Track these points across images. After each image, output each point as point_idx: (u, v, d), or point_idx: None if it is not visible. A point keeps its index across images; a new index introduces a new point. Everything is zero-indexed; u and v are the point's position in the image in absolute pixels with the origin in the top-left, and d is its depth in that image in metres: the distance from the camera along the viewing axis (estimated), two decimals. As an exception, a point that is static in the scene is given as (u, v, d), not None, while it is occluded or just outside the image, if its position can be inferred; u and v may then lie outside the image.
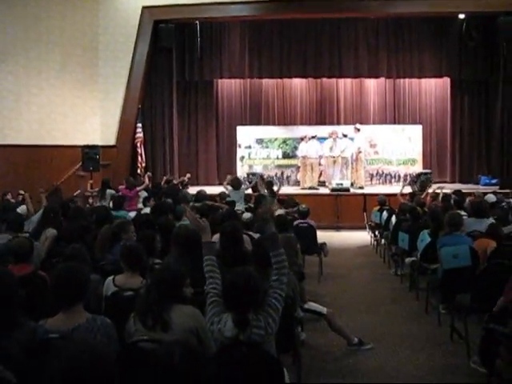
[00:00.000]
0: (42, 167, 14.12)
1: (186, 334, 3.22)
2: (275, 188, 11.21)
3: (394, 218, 9.30)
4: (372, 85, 17.23)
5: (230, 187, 10.90)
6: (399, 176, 15.98)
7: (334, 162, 15.27)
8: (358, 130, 15.34)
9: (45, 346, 3.02)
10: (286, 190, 14.29)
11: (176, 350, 2.08)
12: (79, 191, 12.43)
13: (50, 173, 13.95)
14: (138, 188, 11.36)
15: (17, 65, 14.17)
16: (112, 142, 15.12)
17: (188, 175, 14.64)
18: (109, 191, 11.15)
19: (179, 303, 3.40)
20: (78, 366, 2.04)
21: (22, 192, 11.32)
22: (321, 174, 15.68)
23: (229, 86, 17.65)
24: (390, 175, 16.05)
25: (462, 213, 7.65)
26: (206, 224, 3.88)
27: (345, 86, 17.27)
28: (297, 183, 15.91)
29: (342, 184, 14.35)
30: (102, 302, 4.21)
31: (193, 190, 12.09)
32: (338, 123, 16.93)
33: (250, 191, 11.80)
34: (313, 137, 15.54)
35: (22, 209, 8.60)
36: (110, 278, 4.38)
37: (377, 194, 12.38)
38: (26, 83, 14.27)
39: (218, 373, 2.87)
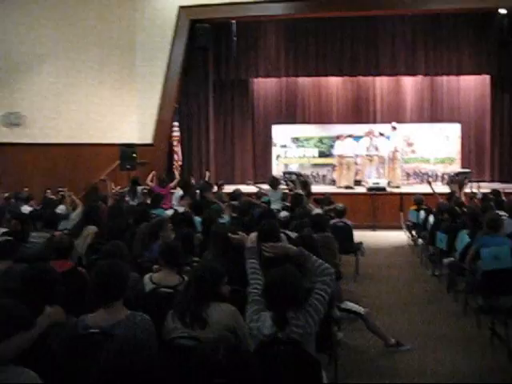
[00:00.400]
0: (81, 165, 14.38)
1: (223, 332, 3.24)
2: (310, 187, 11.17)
3: (431, 218, 9.19)
4: (409, 83, 17.00)
5: (267, 187, 10.87)
6: (437, 175, 15.75)
7: (370, 160, 15.16)
8: (395, 128, 15.18)
9: (86, 340, 3.08)
10: (322, 188, 14.23)
11: (219, 348, 2.10)
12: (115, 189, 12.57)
13: (88, 171, 14.21)
14: (171, 184, 11.46)
15: (57, 65, 14.46)
16: (149, 140, 15.28)
17: (208, 173, 14.18)
18: (139, 188, 11.28)
19: (217, 301, 3.43)
20: (124, 360, 2.09)
21: (61, 189, 11.52)
22: (357, 173, 15.56)
23: (265, 85, 17.65)
24: (428, 174, 15.83)
25: (501, 213, 7.52)
26: (243, 235, 3.98)
27: (381, 84, 17.09)
28: (333, 182, 15.83)
29: (378, 183, 14.21)
30: (141, 299, 4.25)
31: (229, 188, 12.11)
32: (375, 122, 16.78)
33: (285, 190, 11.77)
34: (349, 135, 15.42)
35: (61, 208, 8.76)
36: (148, 275, 4.44)
37: (414, 193, 12.23)
38: (66, 83, 14.54)
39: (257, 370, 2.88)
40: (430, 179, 12.86)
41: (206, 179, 13.02)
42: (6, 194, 11.26)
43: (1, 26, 13.74)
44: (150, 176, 12.09)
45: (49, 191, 12.08)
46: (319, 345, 3.56)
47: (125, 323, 3.16)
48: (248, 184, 11.92)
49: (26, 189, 11.64)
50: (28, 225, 6.68)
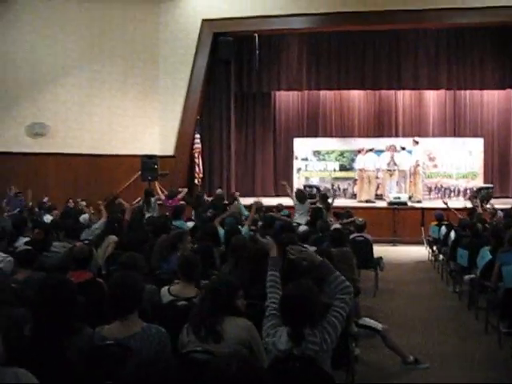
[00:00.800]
0: (103, 176, 14.51)
1: (238, 346, 3.23)
2: (329, 201, 11.11)
3: (452, 234, 9.08)
4: (432, 97, 16.92)
5: (295, 200, 10.82)
6: (459, 190, 15.59)
7: (391, 175, 15.07)
8: (417, 142, 15.08)
9: (102, 352, 3.09)
10: (343, 202, 14.16)
11: (233, 362, 2.08)
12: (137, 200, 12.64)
13: (110, 181, 14.33)
14: (179, 196, 11.45)
15: (81, 77, 14.66)
16: (170, 152, 15.37)
17: (219, 190, 13.79)
18: (153, 199, 11.33)
19: (232, 315, 3.41)
20: (143, 373, 2.10)
21: (79, 201, 11.65)
22: (378, 187, 15.48)
23: (286, 98, 17.69)
24: (450, 189, 15.67)
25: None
26: (271, 241, 3.92)
27: (403, 97, 17.03)
28: (353, 196, 15.75)
29: (399, 197, 14.11)
30: (157, 312, 4.26)
31: (249, 201, 12.09)
32: (397, 136, 16.71)
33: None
34: (370, 149, 15.37)
35: (84, 217, 8.81)
36: (167, 286, 4.44)
37: (435, 209, 12.12)
38: (90, 94, 14.74)
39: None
40: (446, 200, 12.69)
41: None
42: (30, 203, 11.40)
43: (28, 39, 13.98)
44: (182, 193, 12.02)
45: (71, 201, 12.20)
46: (336, 361, 3.53)
47: (140, 335, 3.16)
48: (283, 185, 11.82)
49: (46, 198, 11.74)
50: (50, 234, 6.78)
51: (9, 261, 5.29)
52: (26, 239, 6.68)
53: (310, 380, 2.95)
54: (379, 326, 5.38)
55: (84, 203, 11.19)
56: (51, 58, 14.27)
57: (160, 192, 12.06)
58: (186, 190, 12.05)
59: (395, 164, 15.01)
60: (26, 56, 14.03)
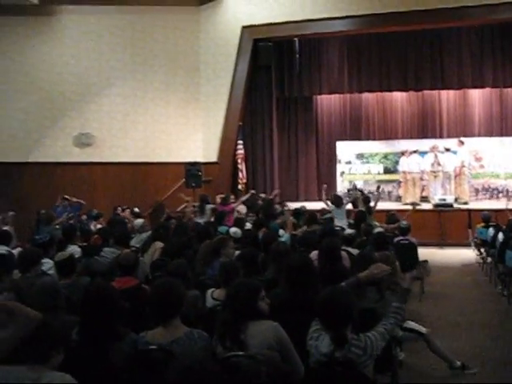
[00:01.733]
0: (148, 183, 14.75)
1: (265, 352, 3.22)
2: (372, 204, 11.02)
3: (501, 235, 8.88)
4: (477, 95, 16.55)
5: (331, 205, 10.79)
6: (507, 190, 15.20)
7: (435, 176, 14.82)
8: (462, 143, 14.80)
9: (145, 356, 3.15)
10: (388, 205, 14.00)
11: (262, 370, 2.10)
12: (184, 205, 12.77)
13: (155, 189, 14.57)
14: (234, 205, 11.50)
15: (125, 87, 14.96)
16: (214, 158, 15.50)
17: (275, 191, 13.98)
18: (208, 206, 11.43)
19: (256, 319, 3.38)
20: (188, 377, 2.14)
21: (120, 209, 11.88)
22: (423, 190, 15.25)
23: (328, 102, 17.63)
24: (497, 189, 15.30)
25: None
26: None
27: (448, 97, 16.73)
28: (398, 199, 15.56)
29: (445, 199, 13.87)
30: (200, 317, 4.31)
31: (293, 206, 12.11)
32: (441, 136, 16.42)
33: (349, 206, 11.65)
34: (414, 151, 15.16)
35: (138, 222, 8.93)
36: (211, 290, 4.51)
37: (483, 210, 11.86)
38: (133, 103, 15.02)
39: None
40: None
41: (271, 196, 13.02)
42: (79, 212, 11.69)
43: (73, 53, 14.37)
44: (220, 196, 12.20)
45: (119, 208, 12.43)
46: (380, 365, 3.51)
47: (183, 340, 3.21)
48: (323, 189, 11.80)
49: (96, 210, 12.00)
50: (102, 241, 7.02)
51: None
52: (75, 247, 6.88)
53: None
54: (423, 329, 5.30)
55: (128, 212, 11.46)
56: (96, 70, 14.64)
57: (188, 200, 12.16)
58: (242, 199, 12.06)
59: (439, 165, 14.75)
60: (71, 69, 14.42)
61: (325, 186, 11.96)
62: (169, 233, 7.50)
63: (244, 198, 12.04)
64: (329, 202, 10.90)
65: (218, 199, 11.94)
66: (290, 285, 4.12)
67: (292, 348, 3.35)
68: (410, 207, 12.56)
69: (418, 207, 14.04)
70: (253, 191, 13.27)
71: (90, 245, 7.00)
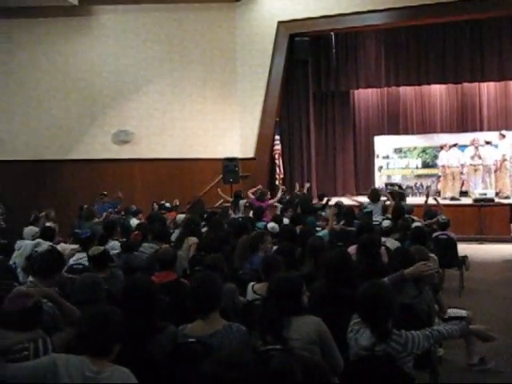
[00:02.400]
0: (185, 179, 14.88)
1: (306, 346, 3.23)
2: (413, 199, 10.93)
3: (543, 230, 8.69)
4: (519, 87, 16.20)
5: (367, 200, 10.72)
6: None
7: (476, 170, 14.54)
8: (504, 136, 14.47)
9: (184, 349, 3.20)
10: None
11: (298, 367, 2.10)
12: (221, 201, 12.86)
13: (193, 185, 14.70)
14: (270, 201, 11.51)
15: (162, 84, 15.12)
16: (251, 154, 15.55)
17: (307, 185, 13.79)
18: (241, 202, 11.50)
19: (299, 314, 3.39)
20: (224, 370, 2.17)
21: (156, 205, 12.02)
22: (463, 184, 14.99)
23: (365, 96, 17.49)
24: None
25: None
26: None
27: (488, 89, 16.39)
28: (437, 193, 15.33)
29: (485, 194, 13.58)
30: (238, 310, 4.35)
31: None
32: (481, 130, 16.10)
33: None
34: (453, 145, 14.91)
35: (179, 217, 9.02)
36: (251, 284, 4.55)
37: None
38: (171, 101, 15.17)
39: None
40: None
41: (305, 191, 13.02)
42: (118, 207, 11.88)
43: (112, 51, 14.58)
44: (254, 189, 12.26)
45: (155, 204, 12.57)
46: (418, 362, 3.49)
47: (221, 334, 3.26)
48: (345, 196, 11.80)
49: (135, 206, 12.16)
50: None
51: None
52: (116, 242, 7.00)
53: (389, 378, 2.94)
54: (464, 312, 5.23)
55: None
56: (134, 68, 14.82)
57: (225, 196, 12.24)
58: (278, 196, 12.10)
59: (480, 158, 14.47)
60: (110, 68, 14.64)
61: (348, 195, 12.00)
62: (199, 228, 7.55)
63: (278, 195, 12.03)
64: (359, 199, 10.84)
65: (250, 194, 11.97)
66: (328, 279, 4.14)
67: (333, 343, 3.36)
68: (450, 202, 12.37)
69: (457, 202, 13.86)
70: (283, 187, 13.24)
71: (129, 240, 7.11)
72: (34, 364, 2.70)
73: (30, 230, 8.08)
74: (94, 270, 4.95)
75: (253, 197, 11.76)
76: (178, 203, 12.26)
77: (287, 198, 12.40)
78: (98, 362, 2.66)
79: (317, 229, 7.73)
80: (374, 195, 10.62)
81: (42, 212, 10.48)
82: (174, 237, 7.84)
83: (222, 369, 2.14)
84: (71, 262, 6.25)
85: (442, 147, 15.02)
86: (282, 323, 3.30)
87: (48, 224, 9.96)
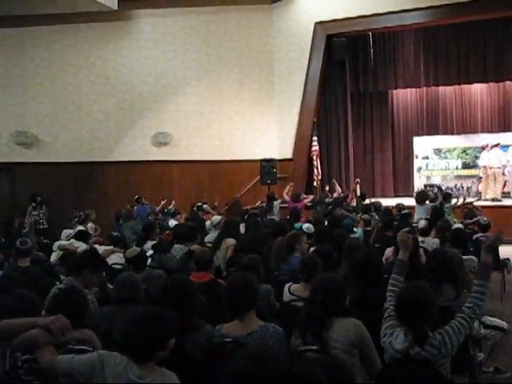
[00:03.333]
0: (223, 181, 14.97)
1: (346, 348, 3.22)
2: (454, 201, 10.77)
3: None
4: None
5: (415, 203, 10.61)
6: None
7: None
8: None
9: (220, 349, 3.23)
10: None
11: (323, 371, 2.08)
12: (258, 203, 12.87)
13: (231, 186, 14.79)
14: (305, 201, 11.54)
15: (200, 86, 15.23)
16: (289, 155, 15.55)
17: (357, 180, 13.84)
18: (276, 203, 11.54)
19: (341, 316, 3.39)
20: (254, 367, 2.16)
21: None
22: (505, 185, 14.68)
23: (404, 96, 17.29)
24: None
25: None
26: (411, 242, 3.82)
27: (531, 88, 16.03)
28: (478, 195, 15.04)
29: (528, 195, 13.31)
30: (274, 311, 4.37)
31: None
32: (525, 129, 15.77)
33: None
34: (495, 145, 14.61)
35: (216, 219, 9.07)
36: (288, 284, 4.55)
37: None
38: (209, 102, 15.27)
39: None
40: None
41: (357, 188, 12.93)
42: (158, 208, 12.02)
43: (151, 55, 14.75)
44: (287, 188, 12.30)
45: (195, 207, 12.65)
46: (457, 365, 3.43)
47: (258, 334, 3.27)
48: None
49: (171, 205, 12.25)
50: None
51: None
52: (154, 242, 7.10)
53: (426, 382, 2.90)
54: (505, 324, 5.13)
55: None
56: (172, 71, 14.97)
57: (286, 195, 12.23)
58: (312, 196, 12.13)
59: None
60: (148, 71, 14.80)
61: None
62: (238, 229, 7.57)
63: (311, 196, 12.03)
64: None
65: (285, 195, 11.99)
66: (358, 281, 4.13)
67: (373, 347, 3.35)
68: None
69: (498, 203, 13.58)
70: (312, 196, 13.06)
71: (161, 241, 7.19)
72: (86, 359, 2.70)
73: (66, 231, 8.41)
74: (132, 271, 5.02)
75: (287, 198, 11.77)
76: (216, 204, 12.34)
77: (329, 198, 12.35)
78: (143, 365, 2.64)
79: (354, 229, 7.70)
80: (420, 197, 10.51)
81: (81, 214, 10.70)
82: (209, 237, 7.91)
83: (247, 366, 2.12)
84: (110, 262, 6.37)
85: (483, 147, 14.76)
86: (325, 323, 3.31)
87: (90, 225, 10.20)
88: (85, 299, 3.49)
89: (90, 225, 10.32)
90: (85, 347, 2.99)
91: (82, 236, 7.75)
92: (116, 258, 6.67)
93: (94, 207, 11.79)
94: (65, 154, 14.05)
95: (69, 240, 7.69)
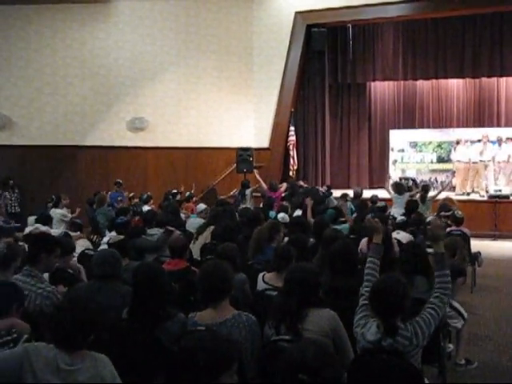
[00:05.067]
0: (199, 168, 14.91)
1: (319, 338, 3.22)
2: (430, 193, 10.93)
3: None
4: (538, 83, 15.97)
5: (393, 193, 10.73)
6: None
7: (486, 166, 14.38)
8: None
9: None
10: (441, 195, 13.69)
11: (310, 349, 2.11)
12: (233, 191, 12.86)
13: (207, 173, 14.74)
14: (281, 189, 11.59)
15: (178, 73, 15.10)
16: (265, 144, 15.54)
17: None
18: (248, 191, 11.60)
19: (316, 306, 3.40)
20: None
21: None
22: (478, 179, 14.83)
23: (382, 89, 17.36)
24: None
25: None
26: (380, 226, 3.82)
27: (507, 85, 16.15)
28: (452, 189, 15.19)
29: (500, 190, 13.47)
30: (248, 300, 4.35)
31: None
32: (499, 125, 15.92)
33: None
34: (469, 140, 14.74)
35: (200, 206, 9.14)
36: (262, 273, 4.53)
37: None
38: (186, 89, 15.15)
39: (356, 378, 2.86)
40: None
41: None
42: (131, 194, 11.94)
43: (129, 39, 14.57)
44: (258, 176, 12.49)
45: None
46: (427, 356, 3.46)
47: (231, 322, 3.25)
48: (387, 178, 11.95)
49: (145, 194, 12.17)
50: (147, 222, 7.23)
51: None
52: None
53: (397, 373, 2.92)
54: (465, 314, 5.22)
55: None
56: (150, 56, 14.81)
57: (261, 180, 12.26)
58: (287, 185, 12.18)
59: (490, 155, 14.28)
60: (126, 55, 14.62)
61: (388, 174, 11.96)
62: (222, 218, 7.59)
63: (284, 187, 12.08)
64: (391, 190, 10.86)
65: (263, 184, 12.05)
66: (332, 271, 4.14)
67: (346, 338, 3.36)
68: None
69: (470, 197, 13.74)
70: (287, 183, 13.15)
71: (133, 227, 7.18)
72: (9, 357, 2.54)
73: (31, 218, 8.62)
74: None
75: (266, 187, 11.78)
76: (193, 191, 12.20)
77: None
78: (73, 353, 2.55)
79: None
80: (400, 188, 10.69)
81: (53, 197, 10.60)
82: (188, 225, 7.93)
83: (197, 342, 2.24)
84: (82, 248, 6.32)
85: (458, 142, 14.88)
86: (300, 314, 3.31)
87: (61, 209, 10.12)
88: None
89: (63, 209, 10.25)
90: (9, 337, 2.94)
91: (45, 220, 7.77)
92: (84, 244, 6.66)
93: (67, 192, 11.67)
94: (39, 137, 13.85)
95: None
